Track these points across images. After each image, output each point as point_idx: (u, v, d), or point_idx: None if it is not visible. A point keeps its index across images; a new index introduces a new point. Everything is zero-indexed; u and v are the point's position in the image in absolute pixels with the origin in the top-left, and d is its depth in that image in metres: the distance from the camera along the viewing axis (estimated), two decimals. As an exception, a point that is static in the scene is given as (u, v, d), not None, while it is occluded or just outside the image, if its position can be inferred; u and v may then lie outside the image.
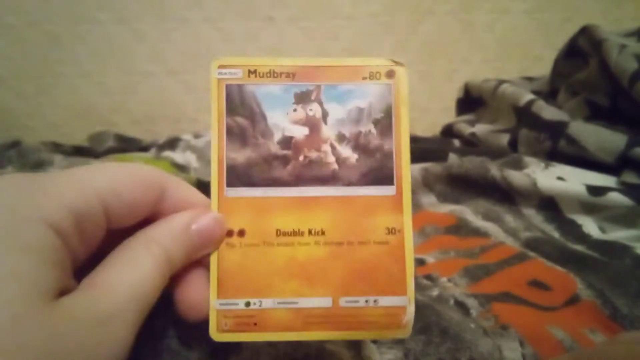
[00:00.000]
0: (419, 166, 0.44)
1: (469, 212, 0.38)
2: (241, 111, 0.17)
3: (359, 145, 0.17)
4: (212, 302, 0.17)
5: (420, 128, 0.88)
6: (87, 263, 0.16)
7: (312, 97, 0.17)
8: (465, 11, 0.94)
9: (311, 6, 0.89)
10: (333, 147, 0.17)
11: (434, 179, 0.43)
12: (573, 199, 0.35)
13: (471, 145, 0.56)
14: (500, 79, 0.57)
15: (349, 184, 0.17)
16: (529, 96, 0.49)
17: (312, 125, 0.17)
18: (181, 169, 0.52)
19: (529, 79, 0.61)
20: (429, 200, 0.43)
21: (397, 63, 0.18)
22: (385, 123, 0.17)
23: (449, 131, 0.63)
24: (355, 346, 0.20)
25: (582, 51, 0.48)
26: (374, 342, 0.20)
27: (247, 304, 0.17)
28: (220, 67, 0.17)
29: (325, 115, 0.17)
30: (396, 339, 0.19)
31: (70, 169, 0.16)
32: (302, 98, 0.17)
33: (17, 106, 0.89)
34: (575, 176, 0.38)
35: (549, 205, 0.36)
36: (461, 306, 0.24)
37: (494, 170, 0.39)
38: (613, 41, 0.42)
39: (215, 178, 0.17)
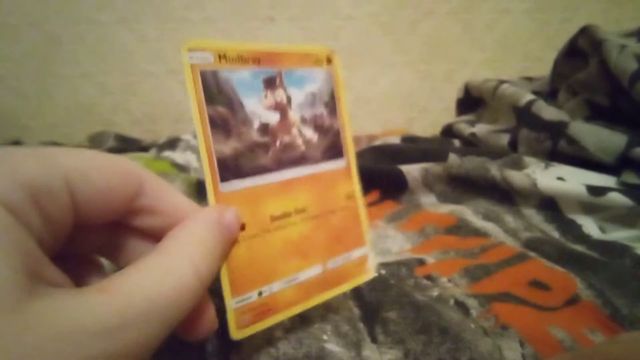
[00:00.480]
0: (419, 166, 0.44)
1: (469, 212, 0.38)
2: (219, 99, 0.16)
3: (317, 126, 0.19)
4: (229, 303, 0.16)
5: (420, 128, 0.88)
6: (73, 265, 0.15)
7: (277, 83, 0.18)
8: (465, 11, 0.94)
9: (311, 6, 0.89)
10: (300, 130, 0.18)
11: (434, 179, 0.43)
12: (573, 199, 0.35)
13: (471, 145, 0.56)
14: (500, 79, 0.58)
15: (315, 162, 0.19)
16: (529, 96, 0.49)
17: (282, 110, 0.18)
18: (181, 169, 0.52)
19: (529, 79, 0.61)
20: (429, 200, 0.43)
21: (332, 51, 0.20)
22: (332, 104, 0.19)
23: (449, 131, 0.63)
24: (356, 346, 0.20)
25: (582, 51, 0.48)
26: (374, 342, 0.20)
27: (260, 294, 0.17)
28: (190, 50, 0.16)
29: (289, 100, 0.18)
30: (365, 282, 0.21)
31: (41, 147, 0.14)
32: (270, 84, 0.18)
33: (17, 106, 0.89)
34: (575, 176, 0.38)
35: (549, 205, 0.36)
36: (461, 306, 0.24)
37: (494, 170, 0.39)
38: (613, 41, 0.42)
39: (208, 174, 0.16)
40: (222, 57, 0.17)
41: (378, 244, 0.36)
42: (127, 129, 0.84)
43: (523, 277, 0.27)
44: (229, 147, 0.16)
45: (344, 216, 0.20)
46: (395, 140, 0.62)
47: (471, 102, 0.64)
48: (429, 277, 0.29)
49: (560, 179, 0.37)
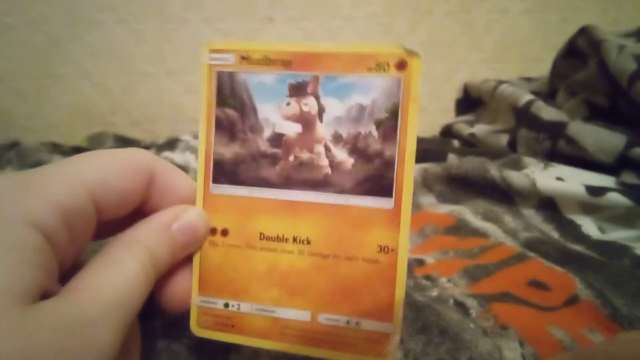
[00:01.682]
0: (418, 166, 0.44)
1: (468, 213, 0.38)
2: (231, 102, 0.15)
3: (356, 148, 0.15)
4: (194, 298, 0.17)
5: (419, 128, 0.88)
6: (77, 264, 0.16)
7: (309, 90, 0.15)
8: (464, 11, 0.94)
9: (310, 7, 0.89)
10: (327, 149, 0.15)
11: (433, 179, 0.43)
12: (572, 199, 0.35)
13: (470, 145, 0.56)
14: (500, 80, 0.58)
15: (342, 191, 0.15)
16: (528, 96, 0.49)
17: (306, 122, 0.15)
18: (181, 169, 0.52)
19: (528, 80, 0.62)
20: (428, 200, 0.43)
21: (410, 52, 0.15)
22: (389, 125, 0.15)
23: (448, 131, 0.63)
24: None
25: (581, 52, 0.48)
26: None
27: (226, 305, 0.17)
28: (212, 51, 0.15)
29: (321, 111, 0.15)
30: None
31: (57, 162, 0.15)
32: (297, 90, 0.15)
33: (16, 107, 0.89)
34: (574, 176, 0.38)
35: (548, 205, 0.36)
36: (461, 306, 0.24)
37: (493, 170, 0.39)
38: (612, 41, 0.42)
39: (201, 173, 0.16)
40: (244, 58, 0.15)
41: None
42: (127, 130, 0.84)
43: (522, 277, 0.27)
44: (230, 150, 0.16)
45: (367, 271, 0.15)
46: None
47: (470, 102, 0.64)
48: (428, 278, 0.29)
49: (559, 179, 0.37)
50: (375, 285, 0.16)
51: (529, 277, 0.27)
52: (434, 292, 0.27)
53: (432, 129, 0.70)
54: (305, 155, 0.15)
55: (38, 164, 0.55)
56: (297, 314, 0.16)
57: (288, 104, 0.15)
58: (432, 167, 0.43)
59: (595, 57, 0.44)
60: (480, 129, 0.56)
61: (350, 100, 0.15)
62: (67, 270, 0.14)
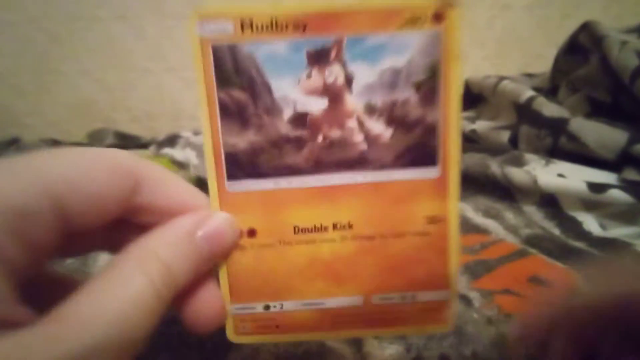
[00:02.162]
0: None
1: (469, 209, 0.38)
2: (237, 81, 0.13)
3: (394, 117, 0.13)
4: (227, 308, 0.15)
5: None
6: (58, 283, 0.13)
7: (332, 57, 0.13)
8: (465, 7, 0.93)
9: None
10: (360, 122, 0.13)
11: (434, 175, 0.43)
12: (574, 196, 0.35)
13: (471, 142, 0.55)
14: (501, 76, 0.57)
15: (381, 167, 0.14)
16: (530, 93, 0.49)
17: (333, 94, 0.13)
18: (181, 166, 0.52)
19: (530, 76, 0.61)
20: (429, 197, 0.43)
21: (447, 1, 0.13)
22: (429, 86, 0.13)
23: (449, 128, 0.62)
24: (356, 343, 0.20)
25: (582, 48, 0.48)
26: (375, 337, 0.20)
27: (267, 307, 0.15)
28: (203, 18, 0.12)
29: (349, 80, 0.13)
30: (436, 333, 0.17)
31: (14, 157, 0.12)
32: (318, 58, 0.13)
33: (16, 103, 0.89)
34: (575, 173, 0.38)
35: (550, 202, 0.36)
36: (464, 299, 0.24)
37: (495, 167, 0.39)
38: (614, 38, 0.42)
39: (212, 170, 0.14)
40: (246, 25, 0.12)
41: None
42: (127, 126, 0.83)
43: (523, 274, 0.27)
44: (244, 140, 0.13)
45: (418, 244, 0.15)
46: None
47: (471, 98, 0.64)
48: (429, 274, 0.29)
49: (560, 175, 0.37)
50: (428, 256, 0.15)
51: (529, 274, 0.27)
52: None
53: (432, 126, 0.69)
54: (335, 134, 0.13)
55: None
56: (348, 301, 0.15)
57: (309, 75, 0.13)
58: (433, 163, 0.43)
59: (597, 53, 0.44)
60: (481, 126, 0.55)
61: (382, 63, 0.13)
62: (23, 289, 0.11)
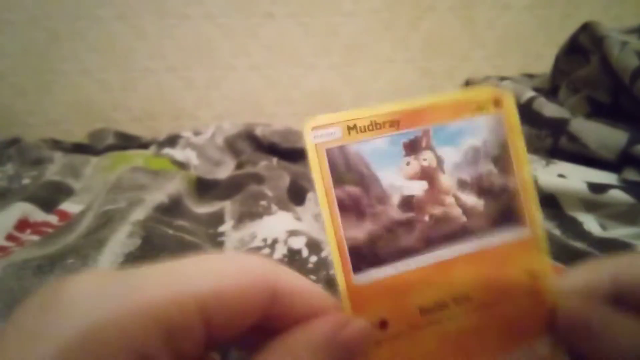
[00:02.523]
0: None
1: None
2: (349, 177, 0.14)
3: (483, 189, 0.15)
4: None
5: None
6: None
7: (423, 145, 0.15)
8: (466, 7, 0.93)
9: (311, 2, 0.89)
10: (457, 197, 0.15)
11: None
12: (574, 197, 0.35)
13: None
14: (501, 76, 0.57)
15: (482, 235, 0.15)
16: (530, 93, 0.49)
17: (430, 176, 0.15)
18: (181, 166, 0.52)
19: (530, 76, 0.61)
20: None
21: (502, 91, 0.16)
22: (504, 158, 0.15)
23: (449, 128, 0.62)
24: None
25: (583, 48, 0.48)
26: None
27: None
28: (315, 128, 0.14)
29: (440, 162, 0.15)
30: None
31: (166, 263, 0.12)
32: (413, 147, 0.15)
33: (16, 103, 0.89)
34: (576, 173, 0.38)
35: (550, 202, 0.36)
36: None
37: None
38: (614, 38, 0.42)
39: (338, 266, 0.14)
40: (351, 128, 0.15)
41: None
42: (127, 126, 0.83)
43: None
44: (362, 231, 0.14)
45: (524, 299, 0.15)
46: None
47: (472, 99, 0.64)
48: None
49: (561, 176, 0.37)
50: (532, 307, 0.15)
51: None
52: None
53: (433, 126, 0.69)
54: (438, 210, 0.15)
55: (38, 160, 0.55)
56: None
57: (408, 163, 0.15)
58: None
59: (598, 54, 0.44)
60: (481, 126, 0.55)
61: (464, 144, 0.15)
62: None
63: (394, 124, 0.15)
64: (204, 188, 0.45)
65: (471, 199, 0.15)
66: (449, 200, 0.15)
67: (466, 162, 0.15)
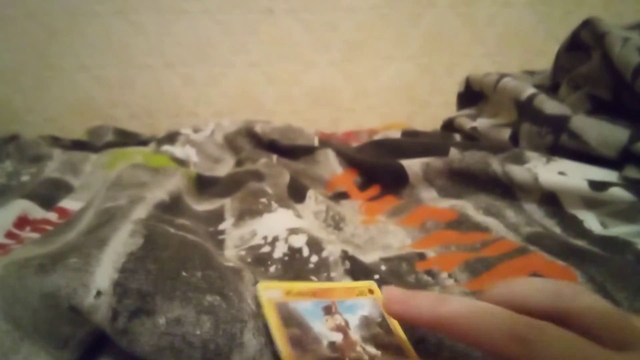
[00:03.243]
0: (419, 161, 0.44)
1: (470, 207, 0.38)
2: (293, 323, 0.20)
3: (378, 344, 0.20)
4: None
5: (420, 122, 0.88)
6: None
7: (333, 310, 0.21)
8: (467, 4, 0.93)
9: (311, -2, 0.88)
10: (363, 348, 0.20)
11: (434, 173, 0.43)
12: (574, 194, 0.35)
13: (472, 139, 0.55)
14: (502, 73, 0.57)
15: None
16: (531, 90, 0.49)
17: (343, 331, 0.20)
18: (181, 163, 0.52)
19: (531, 73, 0.61)
20: (429, 195, 0.43)
21: (373, 284, 0.23)
22: (384, 324, 0.21)
23: (449, 125, 0.62)
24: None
25: (584, 44, 0.48)
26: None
27: None
28: (265, 289, 0.22)
29: (347, 323, 0.21)
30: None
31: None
32: (328, 311, 0.21)
33: (15, 100, 0.88)
34: (576, 171, 0.37)
35: (550, 200, 0.36)
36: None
37: (495, 165, 0.39)
38: (616, 34, 0.42)
39: None
40: (288, 293, 0.22)
41: (379, 239, 0.36)
42: (126, 123, 0.83)
43: (523, 271, 0.27)
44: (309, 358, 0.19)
45: None
46: (395, 134, 0.61)
47: (472, 96, 0.63)
48: (429, 273, 0.29)
49: (561, 173, 0.37)
50: None
51: (529, 271, 0.27)
52: (435, 290, 0.27)
53: (433, 123, 0.69)
54: (354, 355, 0.19)
55: (37, 157, 0.55)
56: None
57: (327, 320, 0.21)
58: (433, 161, 0.43)
59: (599, 50, 0.44)
60: (482, 123, 0.55)
61: (358, 313, 0.21)
62: None
63: (314, 294, 0.22)
64: (204, 185, 0.45)
65: (373, 350, 0.20)
66: (359, 348, 0.20)
67: (362, 325, 0.21)
